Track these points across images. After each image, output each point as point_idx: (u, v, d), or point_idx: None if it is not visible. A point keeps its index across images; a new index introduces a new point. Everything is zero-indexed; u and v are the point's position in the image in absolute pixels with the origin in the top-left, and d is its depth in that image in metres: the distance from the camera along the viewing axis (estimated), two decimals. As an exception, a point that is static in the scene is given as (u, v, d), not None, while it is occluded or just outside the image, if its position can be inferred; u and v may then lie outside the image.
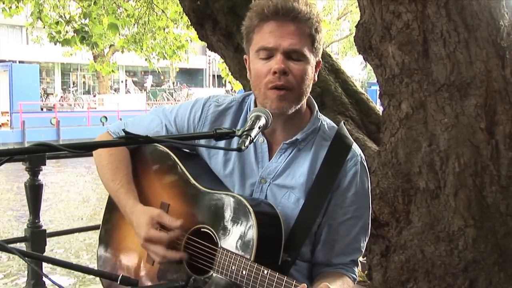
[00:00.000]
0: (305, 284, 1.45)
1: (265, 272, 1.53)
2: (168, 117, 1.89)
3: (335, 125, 1.85)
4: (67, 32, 10.02)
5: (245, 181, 1.79)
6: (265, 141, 1.77)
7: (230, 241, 1.63)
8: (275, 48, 1.64)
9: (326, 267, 1.78)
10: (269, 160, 1.77)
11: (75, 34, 9.68)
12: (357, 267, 1.83)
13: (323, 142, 1.78)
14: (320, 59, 1.77)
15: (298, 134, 1.76)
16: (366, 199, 1.81)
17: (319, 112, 1.83)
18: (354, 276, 1.80)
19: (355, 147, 1.80)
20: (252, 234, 1.58)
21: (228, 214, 1.66)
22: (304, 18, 1.65)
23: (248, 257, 1.58)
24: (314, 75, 1.74)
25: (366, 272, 3.13)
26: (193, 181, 1.78)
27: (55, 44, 10.26)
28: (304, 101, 1.74)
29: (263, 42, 1.65)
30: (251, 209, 1.61)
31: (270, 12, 1.64)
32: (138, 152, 1.94)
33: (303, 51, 1.66)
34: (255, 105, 1.78)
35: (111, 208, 1.95)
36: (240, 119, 1.83)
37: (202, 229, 1.72)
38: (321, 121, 1.82)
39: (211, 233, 1.69)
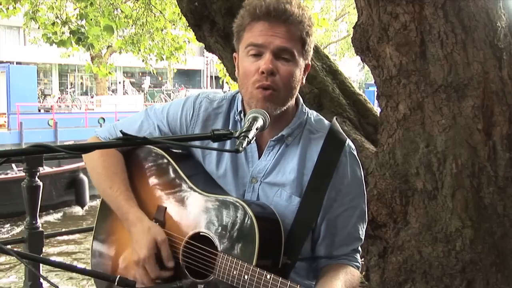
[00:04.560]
0: None
1: (268, 277, 1.51)
2: (160, 117, 1.88)
3: (322, 117, 1.85)
4: (63, 33, 9.97)
5: (238, 181, 1.78)
6: (254, 140, 1.78)
7: (230, 246, 1.62)
8: (264, 45, 1.64)
9: (328, 260, 1.78)
10: (259, 159, 1.77)
11: (71, 35, 9.64)
12: (359, 254, 1.82)
13: (311, 136, 1.78)
14: (310, 63, 1.77)
15: (284, 130, 1.76)
16: (360, 188, 1.80)
17: (304, 106, 1.83)
18: (358, 264, 1.80)
19: (348, 141, 1.80)
20: (253, 238, 1.57)
21: (228, 218, 1.64)
22: (295, 21, 1.65)
23: (250, 262, 1.56)
24: (302, 78, 1.74)
25: (363, 273, 3.13)
26: (189, 183, 1.77)
27: (51, 45, 10.21)
28: (290, 102, 1.74)
29: (253, 39, 1.66)
30: (251, 214, 1.59)
31: (262, 12, 1.64)
32: (132, 155, 1.92)
33: (293, 50, 1.66)
34: (242, 104, 1.79)
35: (105, 211, 1.92)
36: (230, 119, 1.83)
37: (201, 233, 1.70)
38: (307, 114, 1.82)
39: (210, 238, 1.67)
